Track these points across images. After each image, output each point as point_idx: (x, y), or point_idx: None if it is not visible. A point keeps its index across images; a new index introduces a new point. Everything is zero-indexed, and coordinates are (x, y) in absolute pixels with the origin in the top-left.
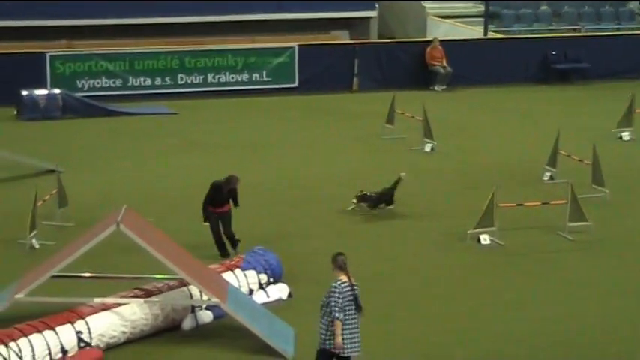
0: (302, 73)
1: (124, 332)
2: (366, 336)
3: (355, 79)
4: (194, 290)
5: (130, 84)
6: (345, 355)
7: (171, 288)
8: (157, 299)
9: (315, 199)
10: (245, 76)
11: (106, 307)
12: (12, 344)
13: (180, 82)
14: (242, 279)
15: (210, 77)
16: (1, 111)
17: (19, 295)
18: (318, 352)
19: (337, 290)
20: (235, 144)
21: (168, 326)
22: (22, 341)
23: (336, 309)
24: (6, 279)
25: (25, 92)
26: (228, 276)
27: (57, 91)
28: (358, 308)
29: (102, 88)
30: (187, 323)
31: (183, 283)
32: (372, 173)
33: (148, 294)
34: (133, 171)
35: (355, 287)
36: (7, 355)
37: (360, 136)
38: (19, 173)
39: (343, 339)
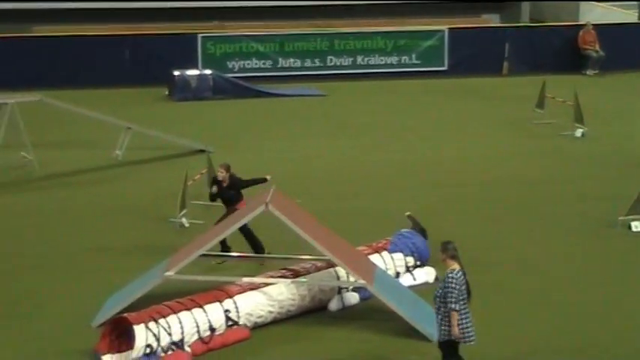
0: (451, 57)
1: (270, 312)
2: (508, 321)
3: (505, 63)
4: (341, 272)
5: (279, 65)
6: (469, 343)
7: (318, 269)
8: (304, 280)
9: (463, 182)
10: (394, 59)
11: (253, 287)
12: (161, 321)
13: (329, 63)
14: (389, 261)
15: (359, 59)
16: (153, 91)
17: (169, 273)
18: (444, 343)
19: (455, 281)
20: (383, 126)
21: (315, 307)
22: (172, 318)
23: (453, 299)
24: (156, 257)
25: (176, 73)
26: (375, 258)
27: (208, 71)
28: (469, 296)
29: (252, 69)
30: (334, 304)
31: (330, 265)
32: (522, 157)
33: (296, 274)
34: (282, 152)
35: (465, 274)
36: (156, 332)
37: (509, 120)
38: (170, 153)
39: (465, 327)
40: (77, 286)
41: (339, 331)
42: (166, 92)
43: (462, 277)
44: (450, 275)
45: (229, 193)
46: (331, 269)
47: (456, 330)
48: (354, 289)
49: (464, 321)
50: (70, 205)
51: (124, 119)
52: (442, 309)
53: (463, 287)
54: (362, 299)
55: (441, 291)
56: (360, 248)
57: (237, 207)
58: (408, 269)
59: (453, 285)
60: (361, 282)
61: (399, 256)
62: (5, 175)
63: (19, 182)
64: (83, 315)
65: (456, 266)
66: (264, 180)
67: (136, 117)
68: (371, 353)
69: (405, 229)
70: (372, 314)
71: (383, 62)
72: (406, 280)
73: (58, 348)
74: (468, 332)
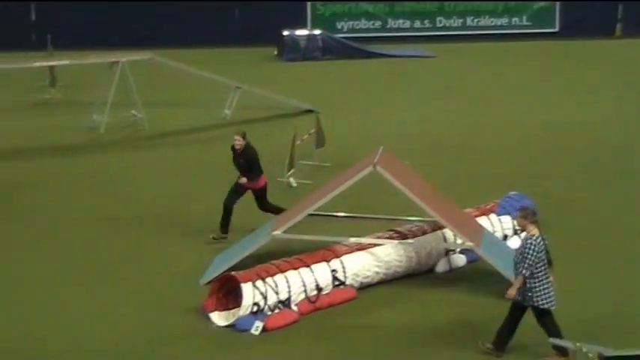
0: (563, 18)
1: (377, 273)
2: (615, 286)
3: (618, 25)
4: (448, 234)
5: (388, 26)
6: (544, 307)
7: (425, 231)
8: (411, 241)
9: (573, 146)
10: (504, 21)
11: (360, 248)
12: (269, 280)
13: (438, 25)
14: (497, 224)
15: (469, 21)
16: (263, 51)
17: (277, 232)
18: (544, 310)
19: (533, 247)
20: (492, 88)
21: (422, 269)
22: (279, 277)
23: (526, 265)
24: (265, 216)
25: (286, 33)
26: (483, 221)
27: (317, 32)
28: (549, 262)
29: (361, 30)
30: (441, 266)
31: (437, 226)
32: (634, 121)
33: (403, 236)
34: (391, 113)
35: (545, 240)
36: (264, 290)
37: (621, 83)
38: (278, 113)
39: (544, 292)
40: (185, 243)
41: (446, 293)
42: (275, 52)
43: (542, 243)
44: (529, 241)
45: (239, 162)
46: (439, 231)
47: (513, 292)
48: (462, 252)
49: (542, 286)
50: (179, 163)
51: (233, 79)
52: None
53: (542, 253)
54: (469, 262)
55: (520, 257)
56: (468, 211)
57: (245, 184)
58: (515, 232)
59: (531, 251)
60: (469, 244)
61: (506, 218)
62: (116, 133)
63: (129, 140)
64: (191, 273)
65: (535, 231)
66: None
67: (245, 77)
68: (477, 316)
69: (514, 192)
70: (479, 277)
71: (493, 24)
72: (514, 243)
73: (166, 305)
74: (548, 297)
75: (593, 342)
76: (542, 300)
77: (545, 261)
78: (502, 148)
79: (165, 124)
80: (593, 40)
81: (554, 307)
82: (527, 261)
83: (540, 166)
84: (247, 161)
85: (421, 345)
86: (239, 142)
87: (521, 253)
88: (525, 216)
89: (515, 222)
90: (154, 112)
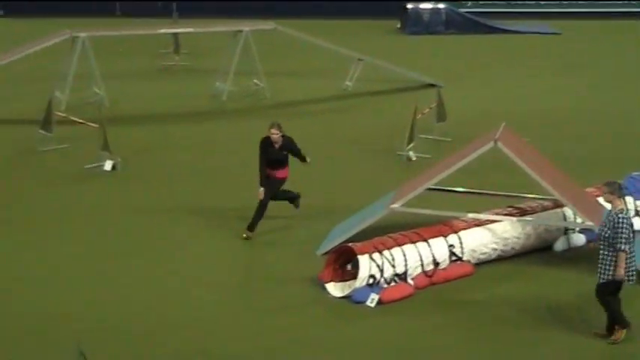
0: None
1: (495, 249)
2: None
3: None
4: (568, 212)
5: (513, 2)
6: (630, 283)
7: (545, 208)
8: (530, 219)
9: None
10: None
11: (478, 223)
12: (385, 253)
13: (564, 1)
14: None
15: None
16: (385, 24)
17: (395, 205)
18: (606, 284)
19: (626, 222)
20: (618, 68)
21: (540, 246)
22: (396, 250)
23: (623, 240)
24: (383, 188)
25: (409, 6)
26: (603, 201)
27: (441, 6)
28: (634, 237)
29: (485, 5)
30: (559, 245)
31: (557, 205)
32: None
33: (522, 213)
34: (513, 89)
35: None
36: (380, 263)
37: None
38: (399, 86)
39: (630, 268)
40: (302, 214)
41: (563, 272)
42: (398, 25)
43: (630, 218)
44: (621, 215)
45: (282, 154)
46: (558, 209)
47: (621, 271)
48: (581, 231)
49: (629, 262)
50: (299, 134)
51: (355, 51)
52: (610, 250)
53: (631, 228)
54: (588, 241)
55: (609, 232)
56: (589, 190)
57: (278, 175)
58: (637, 213)
59: (625, 225)
60: (589, 223)
61: (629, 199)
62: (238, 101)
63: (251, 109)
64: (308, 243)
65: (623, 206)
66: (304, 160)
67: (367, 49)
68: (594, 296)
69: (636, 173)
70: (598, 257)
71: (621, 2)
72: (635, 223)
73: (283, 274)
74: (632, 273)
75: None
76: (627, 275)
77: (632, 236)
78: (624, 129)
79: (286, 93)
80: None
81: (632, 283)
82: (623, 235)
83: None
84: (289, 150)
85: (536, 323)
86: (277, 134)
87: (612, 227)
88: (613, 191)
89: (637, 202)
90: (275, 81)
